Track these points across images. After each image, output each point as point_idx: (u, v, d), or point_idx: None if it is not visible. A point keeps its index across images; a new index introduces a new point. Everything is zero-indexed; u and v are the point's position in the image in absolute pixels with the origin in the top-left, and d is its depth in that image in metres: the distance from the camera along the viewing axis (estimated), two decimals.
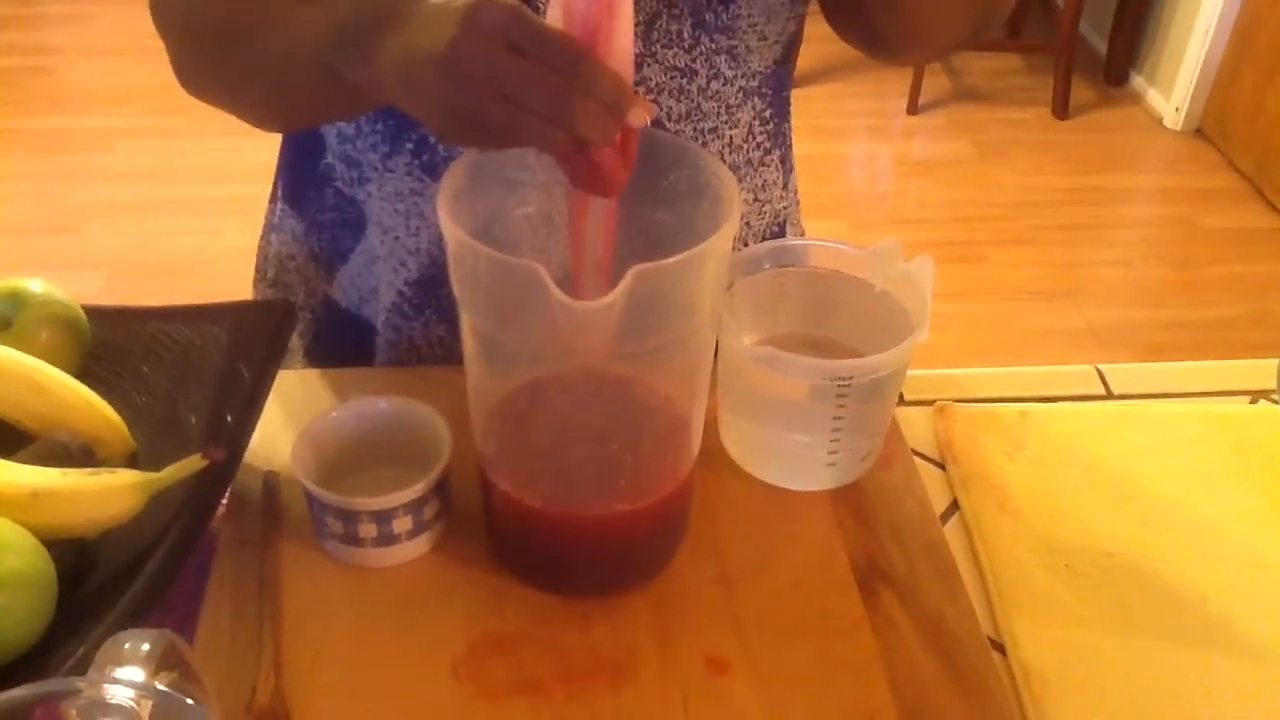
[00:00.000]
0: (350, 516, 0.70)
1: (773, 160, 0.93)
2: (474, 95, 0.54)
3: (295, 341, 0.98)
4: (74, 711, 0.40)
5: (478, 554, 0.73)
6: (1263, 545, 0.76)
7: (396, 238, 0.87)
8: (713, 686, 0.66)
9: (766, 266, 0.81)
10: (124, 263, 2.71)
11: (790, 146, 0.96)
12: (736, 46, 0.82)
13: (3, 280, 0.80)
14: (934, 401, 0.87)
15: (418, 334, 0.90)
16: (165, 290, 2.60)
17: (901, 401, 0.88)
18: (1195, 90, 3.32)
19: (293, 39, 0.68)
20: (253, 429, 0.74)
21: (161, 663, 0.41)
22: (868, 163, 3.32)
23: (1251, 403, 0.90)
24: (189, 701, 0.39)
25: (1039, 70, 3.61)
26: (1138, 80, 3.60)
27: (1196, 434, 0.85)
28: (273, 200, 0.97)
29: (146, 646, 0.41)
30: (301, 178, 0.92)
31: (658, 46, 0.79)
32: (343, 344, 0.96)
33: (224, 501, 0.75)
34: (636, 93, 0.55)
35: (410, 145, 0.82)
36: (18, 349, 0.74)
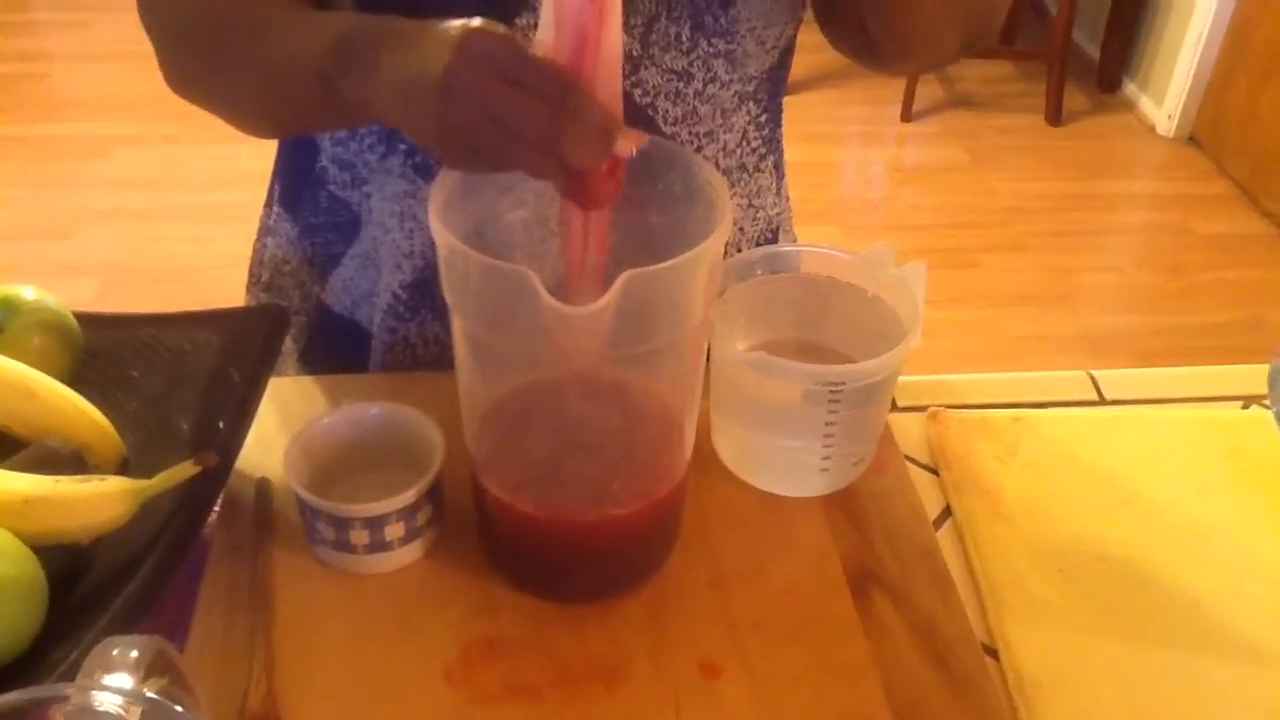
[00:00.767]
0: (342, 523, 0.69)
1: (767, 166, 0.93)
2: (467, 120, 0.55)
3: (289, 346, 0.98)
4: (62, 718, 0.40)
5: (471, 559, 0.73)
6: (1256, 550, 0.76)
7: (393, 239, 0.87)
8: (706, 691, 0.66)
9: (759, 272, 0.81)
10: (119, 269, 2.70)
11: (784, 153, 0.96)
12: (734, 50, 0.82)
13: None
14: (927, 407, 0.87)
15: (413, 334, 0.90)
16: (160, 296, 2.60)
17: (894, 407, 0.88)
18: (1188, 97, 3.33)
19: (289, 47, 0.68)
20: (245, 435, 0.74)
21: (151, 669, 0.41)
22: (862, 169, 3.32)
23: (1244, 408, 0.90)
24: (177, 709, 0.39)
25: (1032, 77, 3.62)
26: (1130, 87, 3.61)
27: (1189, 439, 0.85)
28: (268, 204, 0.97)
29: (135, 653, 0.41)
30: (296, 181, 0.92)
31: (655, 49, 0.79)
32: (337, 348, 0.96)
33: (216, 508, 0.75)
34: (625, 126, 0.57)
35: (404, 146, 0.82)
36: (9, 356, 0.74)
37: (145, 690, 0.40)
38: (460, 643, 0.68)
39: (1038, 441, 0.84)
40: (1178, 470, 0.82)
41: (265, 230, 0.97)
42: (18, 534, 0.63)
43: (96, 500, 0.66)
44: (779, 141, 0.94)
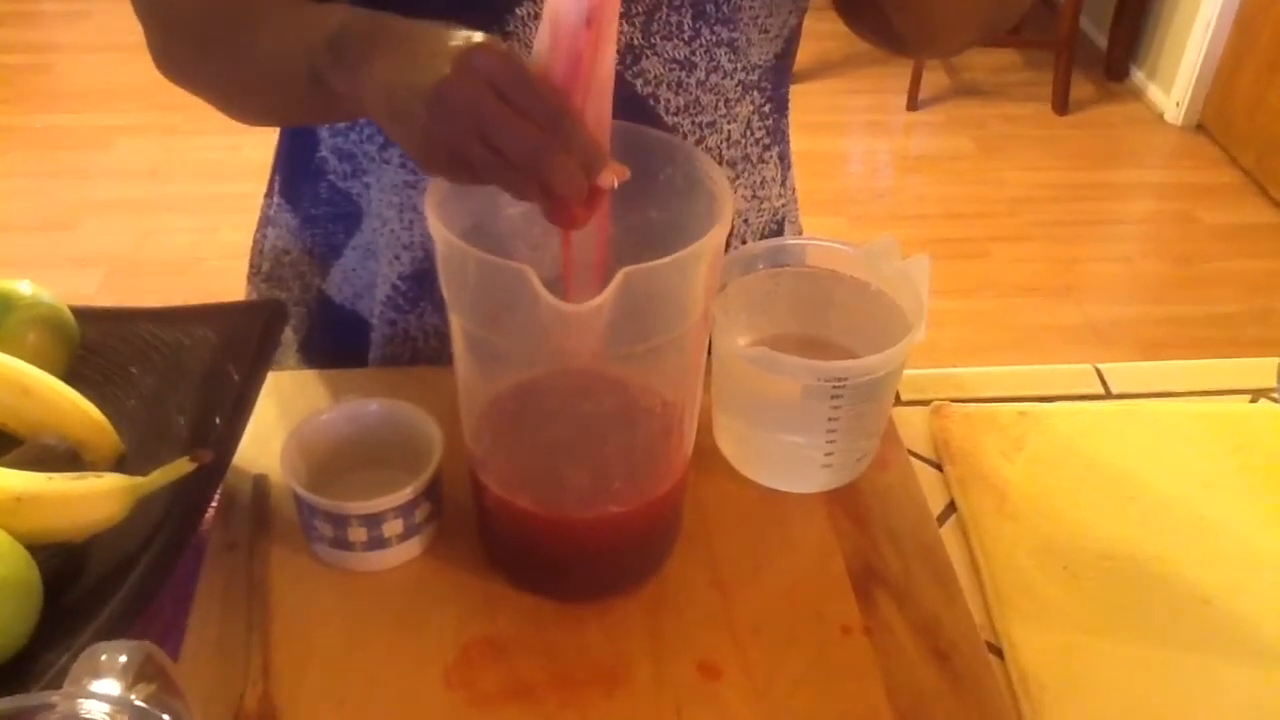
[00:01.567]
0: (340, 520, 0.69)
1: (771, 157, 0.92)
2: (455, 134, 0.55)
3: (289, 336, 0.97)
4: None
5: (470, 557, 0.72)
6: (1264, 546, 0.76)
7: (392, 230, 0.86)
8: (706, 692, 0.65)
9: (761, 266, 0.80)
10: (121, 260, 2.70)
11: (789, 144, 0.95)
12: (737, 39, 0.81)
13: None
14: (931, 401, 0.86)
15: (413, 326, 0.90)
16: (161, 288, 2.60)
17: (898, 401, 0.87)
18: (1195, 85, 3.32)
19: (283, 38, 0.67)
20: (242, 431, 0.74)
21: (139, 675, 0.40)
22: (867, 159, 3.31)
23: (1251, 401, 0.89)
24: (164, 717, 0.38)
25: (1039, 65, 3.60)
26: (1138, 75, 3.59)
27: (1196, 433, 0.84)
28: (268, 194, 0.96)
29: (124, 659, 0.40)
30: (296, 172, 0.91)
31: (657, 38, 0.78)
32: (337, 339, 0.95)
33: (213, 505, 0.74)
34: (610, 158, 0.57)
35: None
36: (4, 351, 0.73)
37: (132, 697, 0.39)
38: (459, 642, 0.67)
39: (1044, 436, 0.83)
40: (1185, 465, 0.81)
41: (265, 220, 0.97)
42: (11, 532, 0.62)
43: (91, 498, 0.65)
44: (784, 132, 0.93)
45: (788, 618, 0.70)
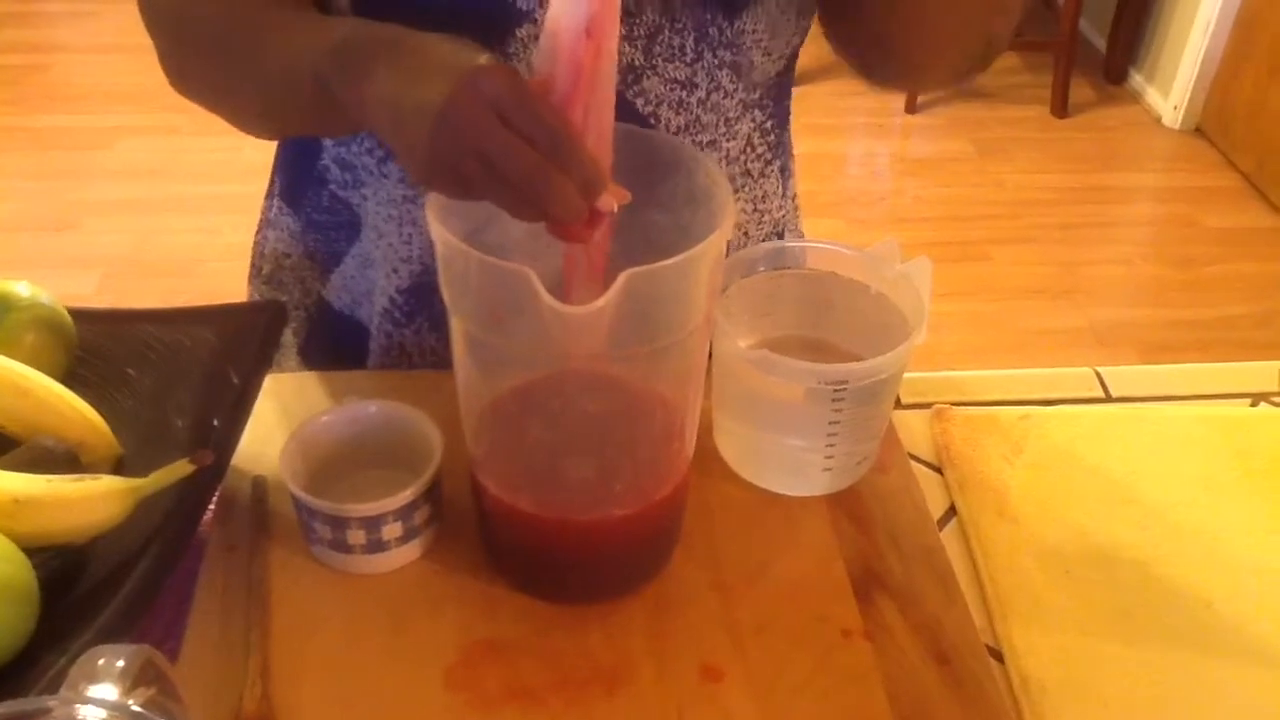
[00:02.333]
0: (339, 522, 0.69)
1: (772, 171, 0.91)
2: (456, 155, 0.55)
3: (289, 338, 0.97)
4: None
5: (470, 560, 0.72)
6: (1266, 550, 0.75)
7: (389, 244, 0.86)
8: (707, 695, 0.65)
9: (762, 268, 0.80)
10: (121, 261, 2.70)
11: (790, 154, 0.95)
12: (740, 62, 0.81)
13: None
14: (931, 404, 0.86)
15: (409, 341, 0.90)
16: (162, 289, 2.59)
17: (899, 405, 0.87)
18: (1195, 89, 3.32)
19: (290, 48, 0.67)
20: (241, 433, 0.73)
21: (138, 679, 0.40)
22: (866, 161, 3.30)
23: (1252, 405, 0.89)
24: None
25: (1038, 68, 3.60)
26: (1137, 78, 3.59)
27: (1197, 437, 0.84)
28: (269, 196, 0.96)
29: (121, 663, 0.40)
30: (298, 177, 0.91)
31: (659, 60, 0.78)
32: (336, 344, 0.95)
33: (212, 507, 0.74)
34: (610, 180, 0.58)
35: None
36: (2, 353, 0.73)
37: (130, 702, 0.39)
38: (459, 645, 0.67)
39: (1044, 440, 0.83)
40: (1186, 469, 0.81)
41: (266, 222, 0.97)
42: (10, 535, 0.62)
43: (90, 500, 0.65)
44: (785, 144, 0.93)
45: (789, 620, 0.69)
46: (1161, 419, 0.86)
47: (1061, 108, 3.44)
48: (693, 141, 0.83)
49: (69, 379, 0.76)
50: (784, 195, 0.95)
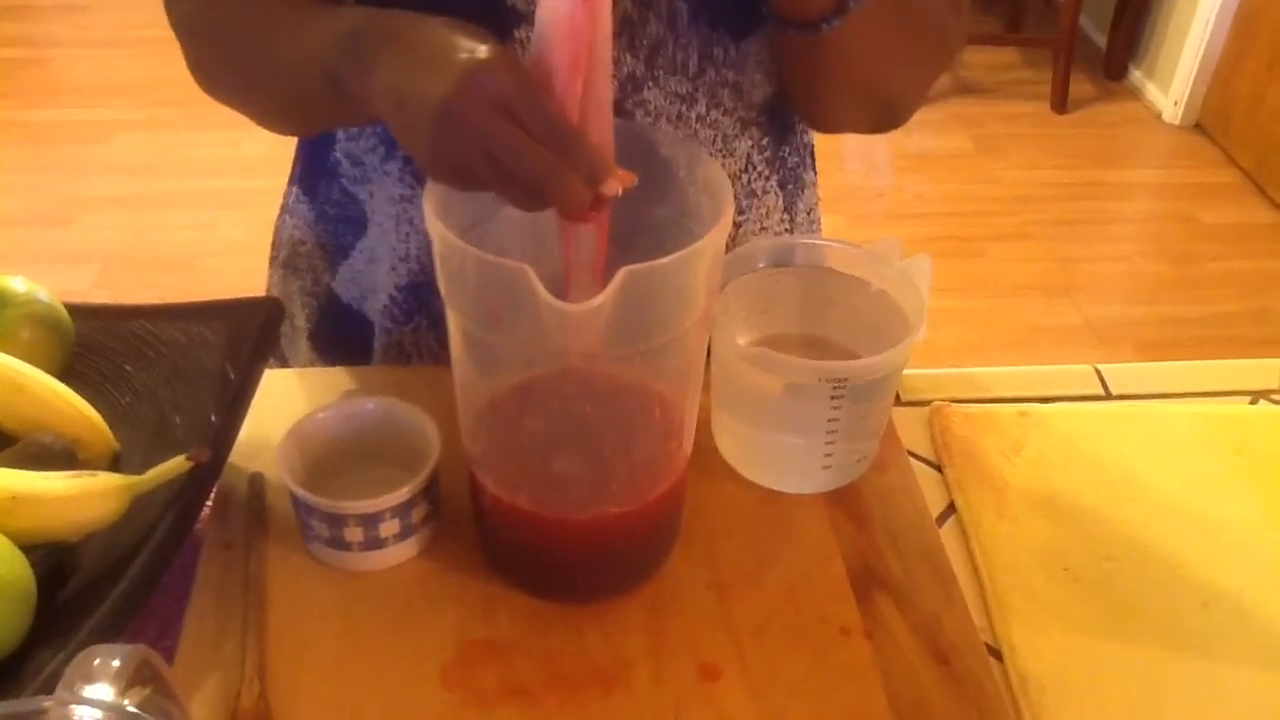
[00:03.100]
0: (336, 520, 0.68)
1: (771, 187, 0.90)
2: (461, 148, 0.56)
3: (300, 324, 0.97)
4: None
5: (468, 558, 0.72)
6: (1265, 548, 0.75)
7: (390, 243, 0.86)
8: (705, 694, 0.65)
9: (761, 265, 0.80)
10: (118, 256, 2.69)
11: (792, 169, 0.93)
12: (742, 82, 0.81)
13: None
14: (930, 401, 0.86)
15: (408, 340, 0.90)
16: (159, 284, 2.59)
17: (898, 402, 0.87)
18: (1194, 85, 3.31)
19: (303, 43, 0.68)
20: (238, 429, 0.73)
21: (134, 679, 0.40)
22: (865, 157, 3.30)
23: (1252, 403, 0.89)
24: None
25: (1038, 64, 3.60)
26: (1137, 74, 3.58)
27: (1197, 435, 0.84)
28: (291, 181, 0.96)
29: (117, 663, 0.40)
30: (313, 167, 0.91)
31: (660, 72, 0.78)
32: (344, 336, 0.95)
33: (209, 504, 0.74)
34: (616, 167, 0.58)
35: (403, 151, 0.81)
36: None
37: (125, 703, 0.38)
38: (456, 643, 0.67)
39: (1044, 437, 0.83)
40: (1185, 467, 0.81)
41: (286, 208, 0.97)
42: (6, 532, 0.62)
43: (86, 497, 0.65)
44: (784, 159, 0.91)
45: (787, 619, 0.69)
46: (1162, 416, 0.86)
47: (1061, 104, 3.44)
48: None
49: (65, 375, 0.75)
50: (785, 210, 0.93)
